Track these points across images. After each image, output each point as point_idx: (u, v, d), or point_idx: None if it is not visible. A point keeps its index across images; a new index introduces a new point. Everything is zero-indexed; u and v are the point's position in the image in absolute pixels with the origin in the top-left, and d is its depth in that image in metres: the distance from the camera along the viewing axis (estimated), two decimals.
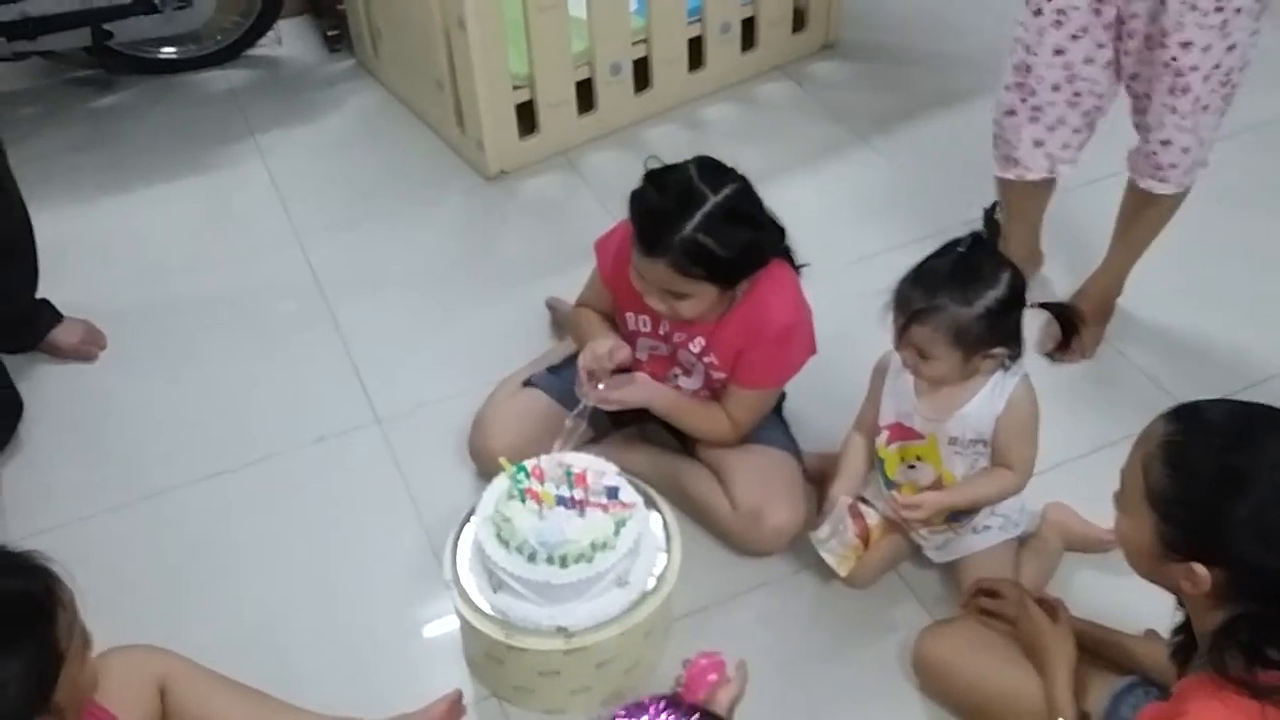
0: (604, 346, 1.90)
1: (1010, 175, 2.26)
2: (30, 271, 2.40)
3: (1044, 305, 1.76)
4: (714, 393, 2.03)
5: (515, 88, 2.87)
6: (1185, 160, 2.13)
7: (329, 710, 1.71)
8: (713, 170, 1.81)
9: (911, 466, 1.90)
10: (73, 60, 3.34)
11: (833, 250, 2.65)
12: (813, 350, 1.97)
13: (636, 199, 1.81)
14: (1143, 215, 2.29)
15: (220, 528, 2.15)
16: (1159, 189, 2.19)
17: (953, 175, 2.89)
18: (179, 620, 1.96)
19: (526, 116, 2.95)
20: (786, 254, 1.96)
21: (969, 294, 1.69)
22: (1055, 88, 2.13)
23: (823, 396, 2.23)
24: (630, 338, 2.04)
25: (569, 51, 2.89)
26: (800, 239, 2.61)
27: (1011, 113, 2.20)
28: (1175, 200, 2.23)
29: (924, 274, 1.74)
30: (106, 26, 3.10)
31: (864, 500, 1.93)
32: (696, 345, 1.96)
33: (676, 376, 2.04)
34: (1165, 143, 2.11)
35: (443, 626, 1.94)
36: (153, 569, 2.08)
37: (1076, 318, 1.75)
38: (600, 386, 1.90)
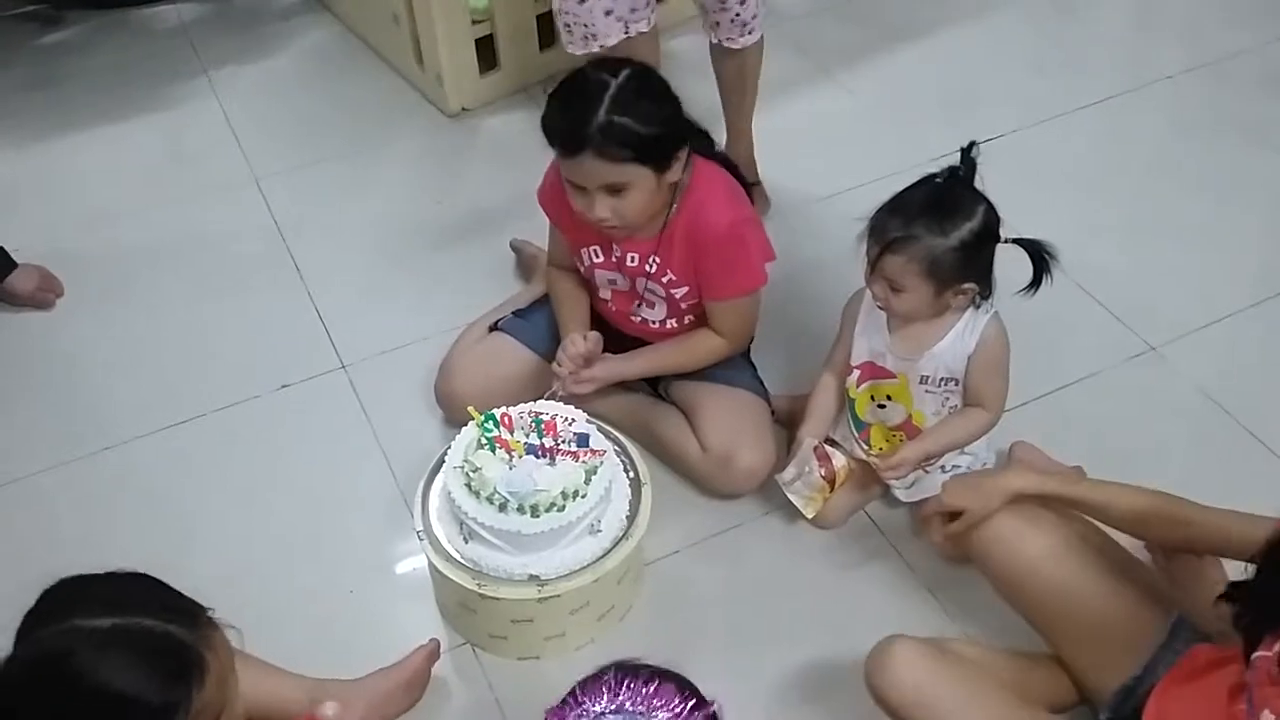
0: (576, 347, 1.92)
1: (593, 49, 2.27)
2: None
3: (1016, 240, 1.76)
4: (683, 318, 2.02)
5: (475, 22, 2.81)
6: (760, 7, 2.32)
7: (301, 662, 1.71)
8: (607, 63, 1.82)
9: (881, 406, 1.91)
10: None
11: (799, 187, 2.64)
12: (770, 254, 1.96)
13: (545, 117, 1.80)
14: (744, 70, 2.43)
15: (183, 478, 2.13)
16: (749, 41, 2.35)
17: (919, 109, 2.88)
18: (141, 567, 1.94)
19: (487, 52, 2.89)
20: (710, 149, 1.96)
21: (945, 225, 1.68)
22: None
23: (792, 336, 2.23)
24: (588, 274, 2.03)
25: None
26: (766, 175, 2.61)
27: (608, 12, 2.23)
28: (760, 47, 2.40)
29: (900, 204, 1.73)
30: None
31: (832, 442, 1.94)
32: (651, 264, 1.94)
33: (640, 308, 2.03)
34: (743, 1, 2.28)
35: (414, 575, 1.93)
36: (115, 521, 2.06)
37: (1047, 253, 1.76)
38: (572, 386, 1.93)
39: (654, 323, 2.04)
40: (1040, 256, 1.76)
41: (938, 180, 1.75)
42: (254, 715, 1.63)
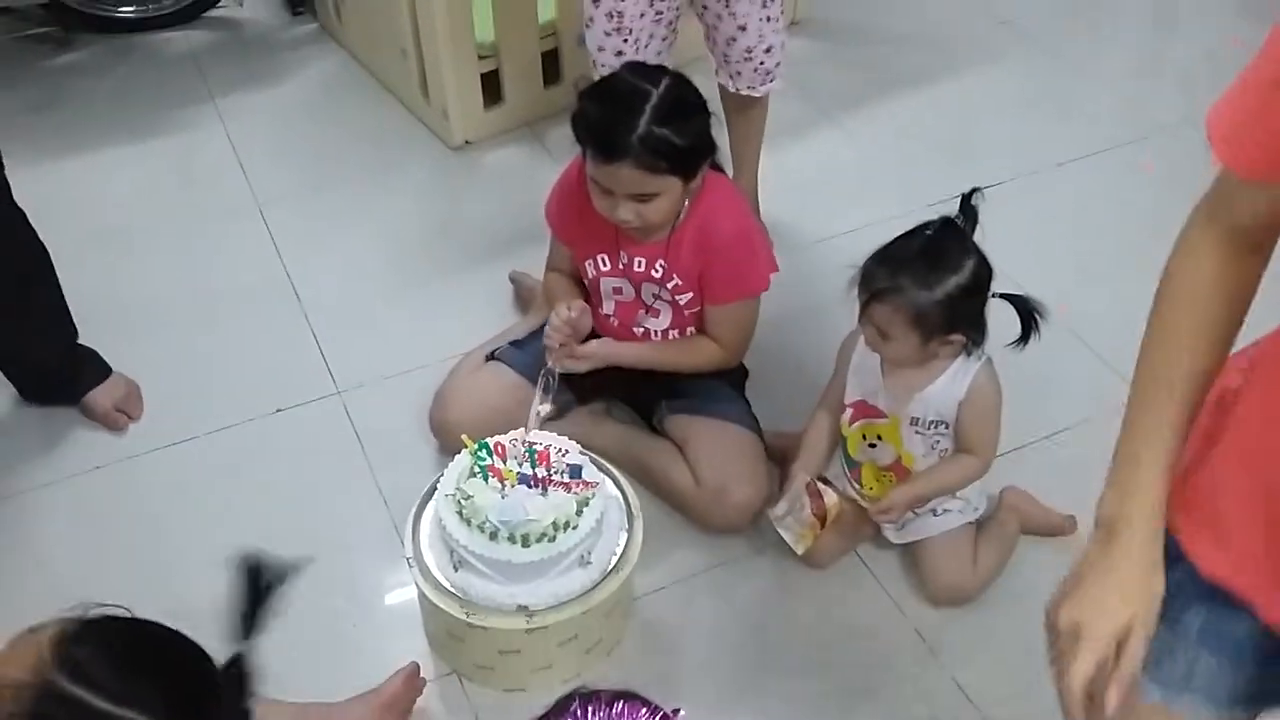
0: (562, 315, 1.92)
1: None
2: (51, 316, 2.20)
3: (1004, 296, 1.77)
4: (685, 328, 2.04)
5: (481, 57, 2.84)
6: (782, 55, 2.34)
7: (286, 687, 1.69)
8: (642, 69, 1.86)
9: (872, 445, 1.91)
10: (29, 17, 3.26)
11: (799, 228, 2.66)
12: (774, 265, 1.99)
13: (581, 116, 1.83)
14: (756, 114, 2.46)
15: (177, 499, 2.13)
16: (770, 88, 2.39)
17: (919, 154, 2.90)
18: (136, 589, 1.93)
19: (492, 86, 2.92)
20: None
21: (931, 279, 1.70)
22: (641, 15, 2.20)
23: (787, 373, 2.24)
24: (593, 286, 2.05)
25: (535, 21, 2.86)
26: (767, 213, 2.64)
27: (619, 54, 2.25)
28: (768, 97, 2.43)
29: (889, 254, 1.74)
30: None
31: (824, 480, 1.94)
32: (658, 270, 1.96)
33: (644, 317, 2.05)
34: (768, 49, 2.29)
35: (403, 602, 1.93)
36: (110, 538, 2.06)
37: (1036, 311, 1.77)
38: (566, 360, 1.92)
39: (657, 333, 2.06)
40: (1029, 314, 1.77)
41: (929, 232, 1.75)
42: None
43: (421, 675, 1.78)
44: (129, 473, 2.18)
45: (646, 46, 2.24)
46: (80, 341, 2.27)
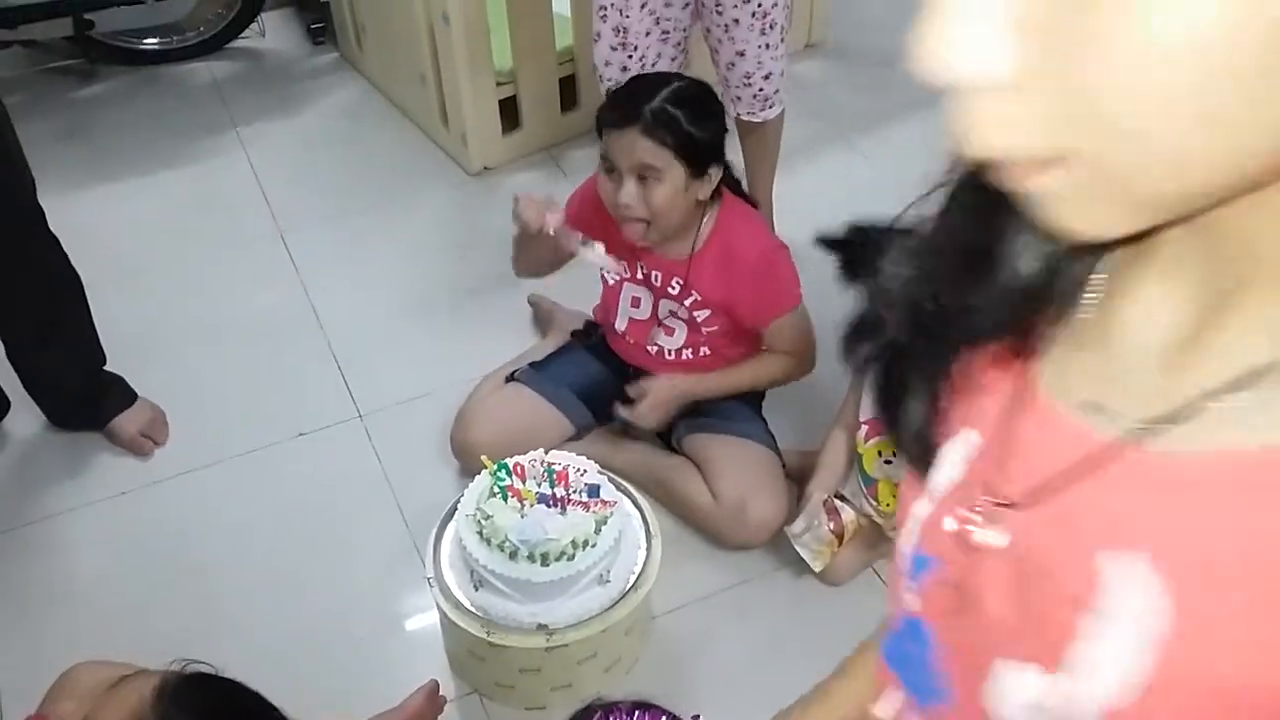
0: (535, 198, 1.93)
1: None
2: (81, 342, 2.24)
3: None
4: (699, 348, 2.07)
5: (499, 84, 2.87)
6: (781, 82, 2.36)
7: (308, 707, 1.71)
8: (671, 74, 1.97)
9: (889, 462, 1.92)
10: (55, 49, 3.32)
11: (813, 250, 2.67)
12: (798, 280, 2.04)
13: (604, 103, 1.95)
14: (765, 140, 2.48)
15: (202, 523, 2.15)
16: (769, 115, 2.40)
17: (931, 179, 2.91)
18: (157, 610, 1.97)
19: (510, 112, 2.95)
20: (740, 189, 2.08)
21: None
22: (647, 33, 2.25)
23: (803, 392, 2.24)
24: (612, 296, 2.08)
25: (553, 48, 2.89)
26: (782, 235, 2.65)
27: (624, 69, 2.29)
28: (781, 119, 2.45)
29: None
30: (88, 16, 3.09)
31: (841, 497, 1.95)
32: (675, 286, 1.99)
33: (657, 334, 2.07)
34: (767, 76, 2.31)
35: (424, 622, 1.95)
36: (135, 560, 2.09)
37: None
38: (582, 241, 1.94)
39: (670, 352, 2.07)
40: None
41: None
42: None
43: (441, 694, 1.80)
44: (154, 497, 2.21)
45: (654, 65, 2.27)
46: (106, 368, 2.31)
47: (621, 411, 2.03)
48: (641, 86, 1.90)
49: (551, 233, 1.89)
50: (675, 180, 1.85)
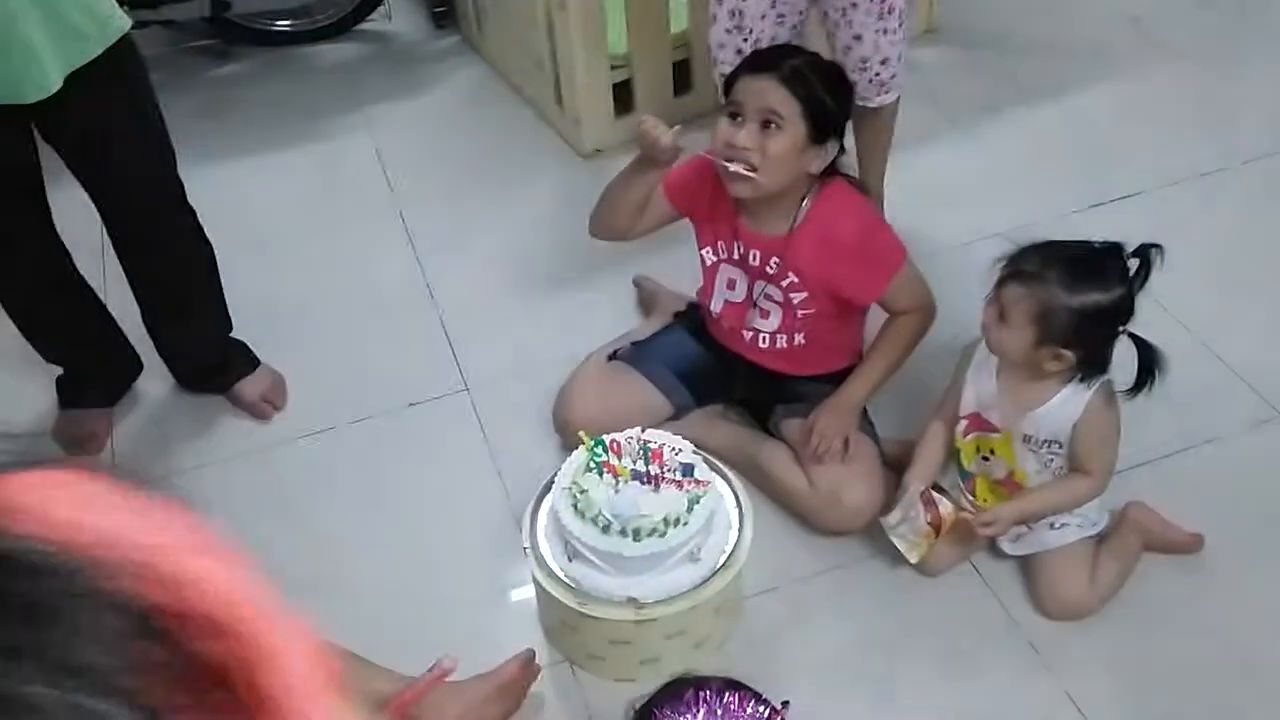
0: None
1: None
2: (212, 311, 2.35)
3: (1133, 337, 1.73)
4: (794, 334, 2.06)
5: (614, 67, 2.91)
6: (899, 67, 2.33)
7: (407, 666, 1.78)
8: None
9: (986, 459, 1.90)
10: (192, 30, 3.47)
11: (925, 236, 2.64)
12: (901, 245, 2.04)
13: (749, 55, 2.07)
14: (879, 126, 2.47)
15: (315, 485, 2.24)
16: (885, 100, 2.38)
17: (1051, 167, 2.85)
18: (272, 565, 2.05)
19: (624, 96, 2.98)
20: (850, 177, 2.09)
21: (1076, 284, 1.68)
22: (763, 16, 2.25)
23: (906, 381, 2.22)
24: (709, 277, 2.09)
25: (667, 33, 2.92)
26: (893, 224, 2.62)
27: (739, 52, 2.26)
28: (896, 105, 2.43)
29: (1049, 246, 1.74)
30: None
31: (939, 489, 1.94)
32: (772, 266, 1.99)
33: (753, 318, 2.08)
34: (884, 61, 2.29)
35: (522, 592, 2.00)
36: (254, 518, 2.17)
37: (1157, 365, 1.72)
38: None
39: (765, 335, 2.08)
40: (1149, 363, 1.72)
41: (1097, 245, 1.74)
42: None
43: (536, 661, 1.85)
44: (272, 459, 2.31)
45: None
46: (232, 335, 2.42)
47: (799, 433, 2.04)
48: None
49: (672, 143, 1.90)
50: (796, 135, 1.86)
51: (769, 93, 1.85)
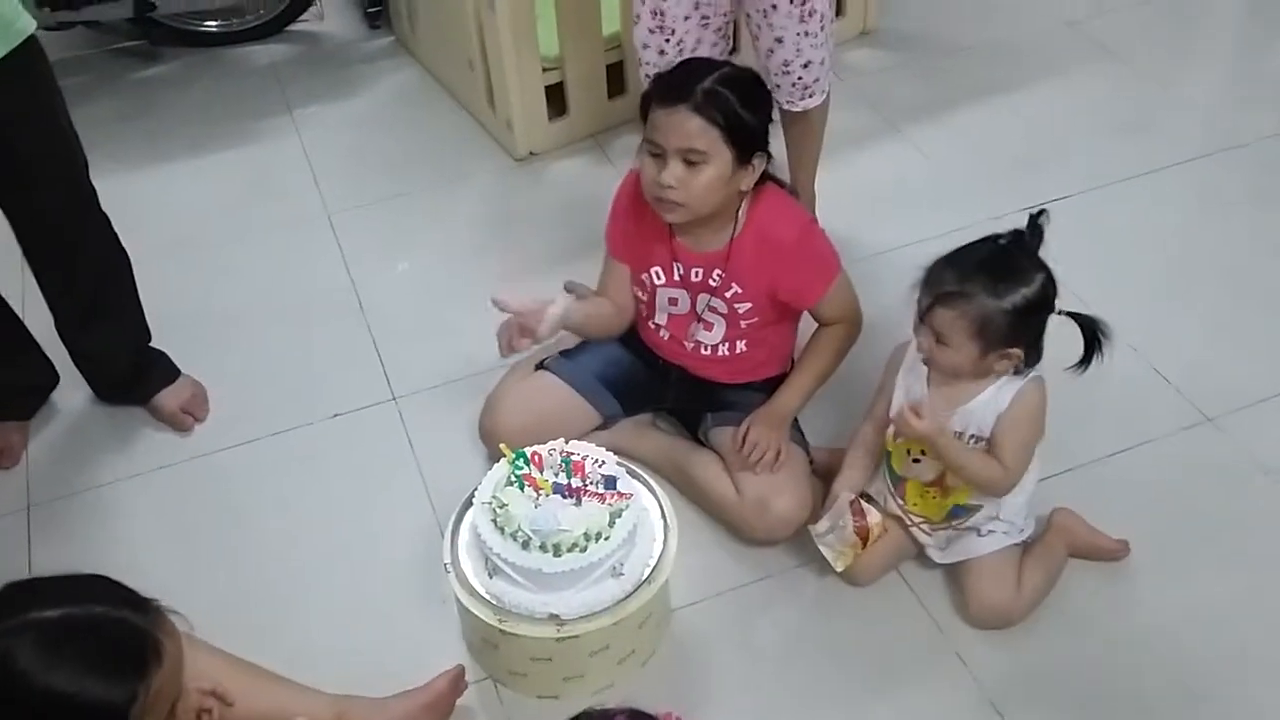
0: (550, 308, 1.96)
1: None
2: (128, 323, 2.29)
3: (1070, 314, 1.74)
4: (736, 342, 2.05)
5: (545, 69, 2.87)
6: (822, 71, 2.32)
7: (329, 683, 1.74)
8: (719, 60, 1.99)
9: (916, 460, 1.89)
10: (117, 31, 3.39)
11: (856, 240, 2.63)
12: (835, 253, 2.03)
13: (655, 77, 1.99)
14: (807, 130, 2.45)
15: (236, 498, 2.19)
16: (810, 104, 2.37)
17: (987, 170, 2.86)
18: (193, 582, 2.01)
19: (557, 98, 2.95)
20: (778, 179, 2.04)
21: (1000, 287, 1.68)
22: (685, 18, 2.22)
23: (835, 388, 2.21)
24: (650, 299, 2.06)
25: (600, 34, 2.89)
26: (825, 227, 2.61)
27: (662, 53, 2.28)
28: (824, 108, 2.43)
29: (959, 259, 1.73)
30: None
31: (867, 498, 1.93)
32: (715, 279, 1.97)
33: (697, 330, 2.06)
34: (805, 65, 2.27)
35: (450, 606, 1.96)
36: (172, 533, 2.14)
37: (1101, 332, 1.73)
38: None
39: (708, 347, 2.06)
40: (1094, 334, 1.73)
41: (1001, 241, 1.74)
42: None
43: (465, 678, 1.81)
44: (193, 472, 2.26)
45: (693, 50, 2.25)
46: (152, 344, 2.36)
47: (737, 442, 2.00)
48: (691, 68, 1.89)
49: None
50: (721, 165, 1.83)
51: (685, 127, 1.80)
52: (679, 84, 1.83)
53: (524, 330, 1.95)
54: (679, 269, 2.00)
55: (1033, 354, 1.76)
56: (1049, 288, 1.71)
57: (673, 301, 2.05)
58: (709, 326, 2.05)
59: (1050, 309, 1.72)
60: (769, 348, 2.09)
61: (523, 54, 2.79)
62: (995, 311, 1.67)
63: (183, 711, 1.25)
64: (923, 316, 1.74)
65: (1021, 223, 1.77)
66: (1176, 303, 2.47)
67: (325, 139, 3.12)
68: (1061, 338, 1.76)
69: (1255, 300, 2.46)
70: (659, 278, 2.03)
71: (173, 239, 2.78)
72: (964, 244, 1.75)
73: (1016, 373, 1.78)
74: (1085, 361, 1.74)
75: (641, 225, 1.99)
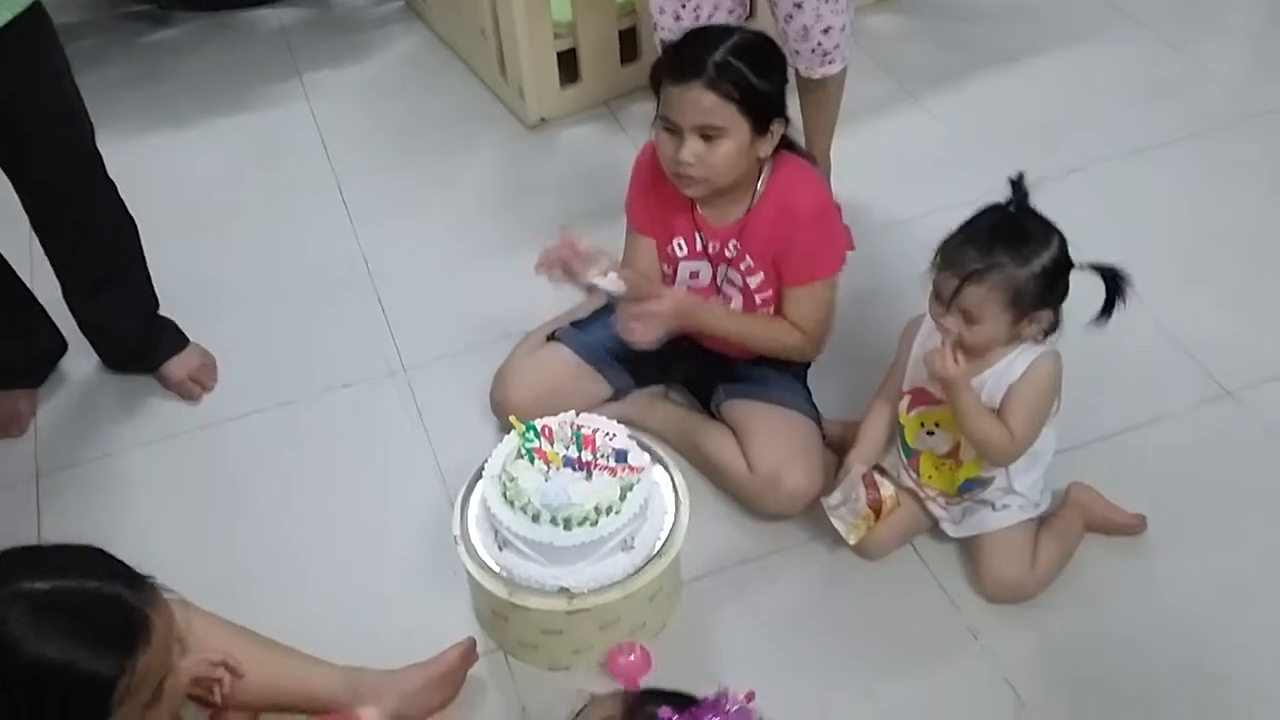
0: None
1: None
2: (135, 287, 2.28)
3: (1091, 265, 1.71)
4: (752, 312, 2.01)
5: (557, 35, 2.84)
6: (842, 37, 2.27)
7: (340, 655, 1.73)
8: (731, 26, 1.91)
9: (930, 433, 1.87)
10: None
11: (872, 210, 2.60)
12: (849, 243, 1.98)
13: (660, 57, 1.89)
14: (824, 97, 2.41)
15: (244, 468, 2.19)
16: (829, 71, 2.32)
17: (1004, 139, 2.81)
18: (201, 551, 2.01)
19: (569, 65, 2.91)
20: (796, 146, 2.00)
21: (1024, 253, 1.65)
22: None
23: (849, 361, 2.19)
24: (672, 270, 2.03)
25: (613, 0, 2.84)
26: (840, 197, 2.58)
27: (678, 19, 2.24)
28: (842, 76, 2.38)
29: (973, 233, 1.69)
30: None
31: (881, 470, 1.90)
32: (731, 250, 1.95)
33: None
34: (826, 30, 2.24)
35: (459, 578, 1.95)
36: (181, 501, 2.13)
37: (1121, 279, 1.70)
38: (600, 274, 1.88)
39: None
40: (1114, 281, 1.70)
41: (1004, 207, 1.71)
42: (287, 700, 1.67)
43: (477, 650, 1.80)
44: (201, 441, 2.25)
45: (710, 16, 2.20)
46: (159, 312, 2.34)
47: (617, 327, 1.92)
48: (701, 39, 1.83)
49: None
50: (739, 138, 1.80)
51: (700, 103, 1.76)
52: (690, 58, 1.79)
53: (568, 272, 1.90)
54: (700, 239, 1.97)
55: (1058, 314, 1.73)
56: (1064, 245, 1.69)
57: (694, 275, 2.03)
58: (728, 299, 2.02)
59: (1070, 265, 1.70)
60: None
61: (535, 20, 2.75)
62: (1026, 279, 1.65)
63: (172, 689, 1.24)
64: (950, 301, 1.69)
65: (1039, 193, 1.73)
66: (1196, 274, 2.43)
67: (335, 105, 3.09)
68: (1074, 298, 1.72)
69: (1276, 272, 2.42)
70: (682, 249, 2.00)
71: (181, 206, 2.76)
72: (969, 218, 1.72)
73: (1037, 341, 1.75)
74: (1107, 310, 1.72)
75: (662, 197, 1.96)
